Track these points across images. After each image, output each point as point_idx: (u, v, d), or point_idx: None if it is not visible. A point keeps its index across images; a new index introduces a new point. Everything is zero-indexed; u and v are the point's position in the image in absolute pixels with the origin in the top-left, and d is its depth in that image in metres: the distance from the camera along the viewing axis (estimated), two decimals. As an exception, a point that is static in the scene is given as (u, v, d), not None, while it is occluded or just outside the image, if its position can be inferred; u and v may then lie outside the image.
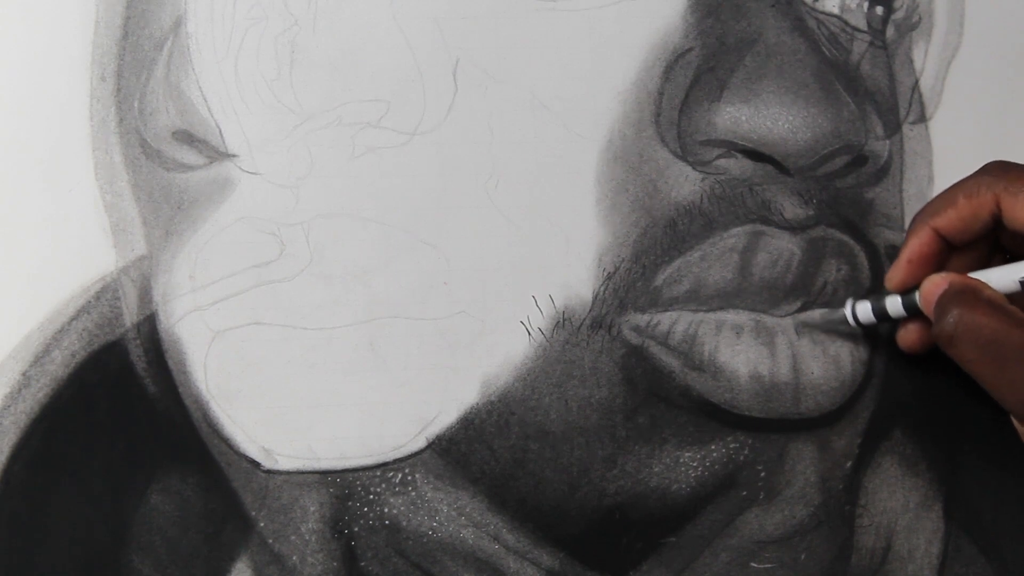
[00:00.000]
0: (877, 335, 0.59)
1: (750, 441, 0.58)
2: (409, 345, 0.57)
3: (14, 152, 0.57)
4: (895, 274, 0.56)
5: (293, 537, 0.57)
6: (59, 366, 0.56)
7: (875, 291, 0.58)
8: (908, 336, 0.57)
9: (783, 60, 0.57)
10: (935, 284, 0.53)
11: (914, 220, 0.56)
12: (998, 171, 0.54)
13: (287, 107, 0.57)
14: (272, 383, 0.57)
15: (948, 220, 0.54)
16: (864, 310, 0.57)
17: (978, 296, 0.52)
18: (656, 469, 0.58)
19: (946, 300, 0.52)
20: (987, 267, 0.55)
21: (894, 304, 0.56)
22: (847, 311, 0.57)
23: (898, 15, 0.61)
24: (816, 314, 0.58)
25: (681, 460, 0.58)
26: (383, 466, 0.57)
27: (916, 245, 0.55)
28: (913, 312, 0.55)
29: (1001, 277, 0.53)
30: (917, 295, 0.55)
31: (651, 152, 0.58)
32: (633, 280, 0.57)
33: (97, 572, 0.56)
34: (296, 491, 0.57)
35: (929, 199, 0.59)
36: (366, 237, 0.57)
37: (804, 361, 0.58)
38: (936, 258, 0.55)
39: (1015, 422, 0.55)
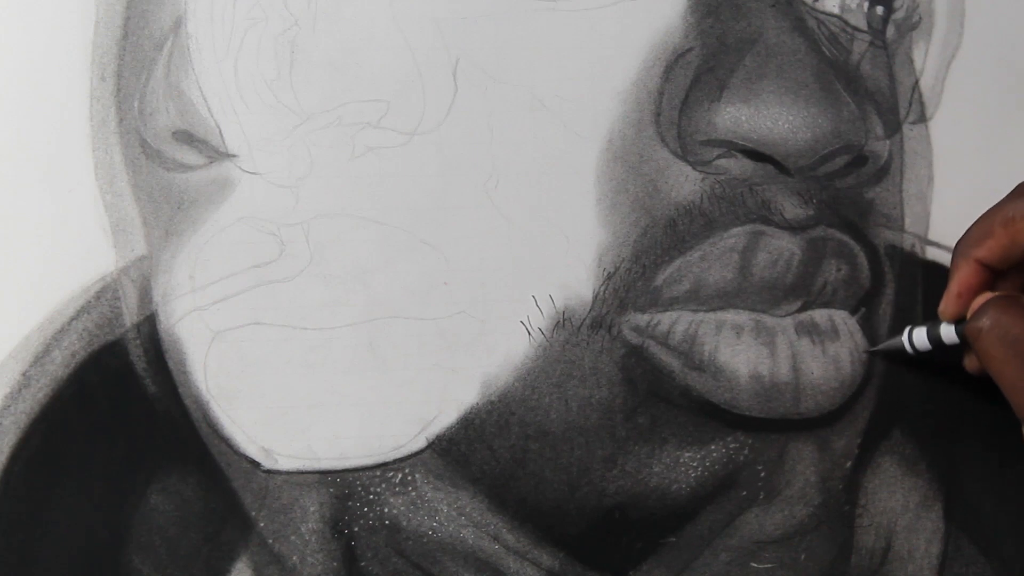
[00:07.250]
0: (879, 337, 0.59)
1: (750, 441, 0.58)
2: (409, 345, 0.57)
3: (14, 152, 0.57)
4: (947, 307, 0.56)
5: (293, 537, 0.57)
6: (59, 366, 0.56)
7: (931, 319, 0.58)
8: (973, 362, 0.57)
9: (783, 60, 0.57)
10: (984, 299, 0.54)
11: (956, 252, 0.56)
12: None
13: (287, 107, 0.57)
14: (272, 383, 0.57)
15: (989, 250, 0.55)
16: (920, 338, 0.57)
17: (1015, 300, 0.53)
18: (656, 469, 0.57)
19: (985, 305, 0.53)
20: None
21: (948, 331, 0.56)
22: (904, 339, 0.58)
23: (898, 15, 0.61)
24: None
25: (681, 460, 0.58)
26: (383, 466, 0.57)
27: (963, 278, 0.56)
28: (966, 338, 0.56)
29: None
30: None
31: (651, 152, 0.58)
32: (633, 280, 0.57)
33: (97, 572, 0.56)
34: (296, 491, 0.57)
35: (929, 199, 0.59)
36: (366, 237, 0.57)
37: (804, 361, 0.58)
38: (983, 286, 0.56)
39: None
